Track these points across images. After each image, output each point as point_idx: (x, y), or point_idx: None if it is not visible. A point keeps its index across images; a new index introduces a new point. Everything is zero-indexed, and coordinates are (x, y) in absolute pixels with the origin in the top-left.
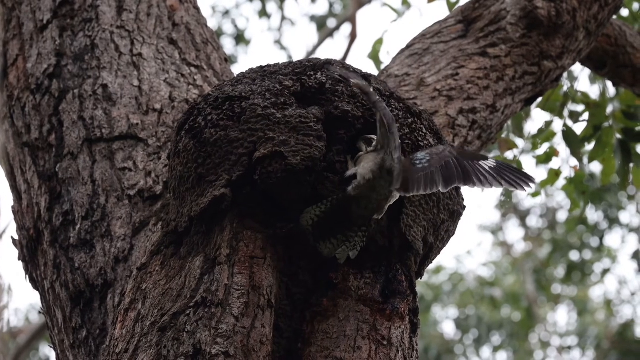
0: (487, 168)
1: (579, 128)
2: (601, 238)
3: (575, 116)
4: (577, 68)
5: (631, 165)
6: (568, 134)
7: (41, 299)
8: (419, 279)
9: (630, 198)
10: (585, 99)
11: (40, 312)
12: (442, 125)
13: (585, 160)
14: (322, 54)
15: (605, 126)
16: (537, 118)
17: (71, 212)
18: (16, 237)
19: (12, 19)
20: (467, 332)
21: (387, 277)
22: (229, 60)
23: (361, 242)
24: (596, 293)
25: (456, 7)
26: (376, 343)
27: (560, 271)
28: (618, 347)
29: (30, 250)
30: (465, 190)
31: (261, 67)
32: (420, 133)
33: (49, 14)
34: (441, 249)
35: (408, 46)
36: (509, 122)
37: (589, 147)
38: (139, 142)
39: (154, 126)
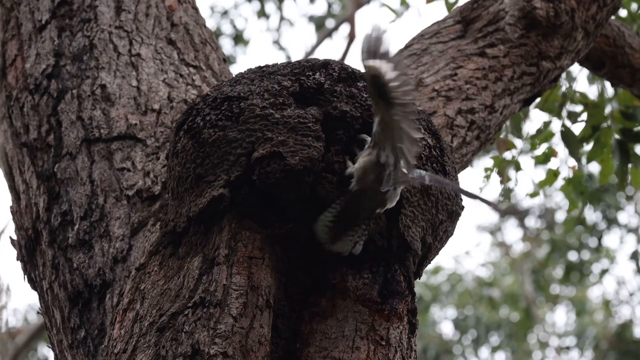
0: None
1: (577, 128)
2: (599, 238)
3: (573, 116)
4: (576, 68)
5: (629, 165)
6: (566, 135)
7: (39, 299)
8: (418, 279)
9: (629, 198)
10: (583, 99)
11: (38, 313)
12: (441, 126)
13: (584, 160)
14: (321, 54)
15: (603, 126)
16: (535, 118)
17: (69, 212)
18: (14, 237)
19: (11, 19)
20: (465, 332)
21: (385, 278)
22: (227, 60)
23: (364, 235)
24: (595, 293)
25: (455, 7)
26: (374, 343)
27: (558, 271)
28: (616, 347)
29: (28, 251)
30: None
31: (260, 67)
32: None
33: (48, 14)
34: (440, 249)
35: (406, 46)
36: (508, 123)
37: (588, 147)
38: (138, 143)
39: (153, 126)
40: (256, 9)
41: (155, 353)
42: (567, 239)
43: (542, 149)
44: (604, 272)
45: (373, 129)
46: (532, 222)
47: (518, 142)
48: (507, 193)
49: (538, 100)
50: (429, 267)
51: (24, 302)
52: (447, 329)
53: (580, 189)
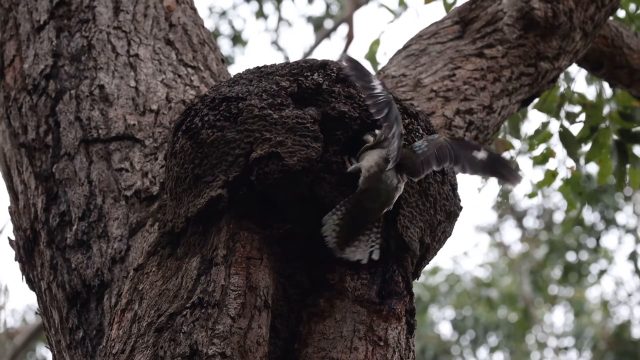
0: (478, 158)
1: (575, 129)
2: (598, 239)
3: (571, 117)
4: (574, 69)
5: (628, 166)
6: (565, 135)
7: (38, 299)
8: (416, 280)
9: (627, 199)
10: (581, 100)
11: (36, 313)
12: (439, 126)
13: (582, 161)
14: (319, 54)
15: (602, 127)
16: (533, 119)
17: (68, 213)
18: (13, 237)
19: (9, 20)
20: (463, 333)
21: (383, 278)
22: (225, 61)
23: (378, 239)
24: (593, 294)
25: (453, 8)
26: (373, 344)
27: (556, 272)
28: (615, 348)
29: (26, 251)
30: (462, 191)
31: (258, 67)
32: (417, 134)
33: (46, 15)
34: (438, 249)
35: (405, 47)
36: (506, 123)
37: (586, 148)
38: (136, 143)
39: (151, 127)
40: (254, 10)
41: (154, 354)
42: (566, 239)
43: (540, 149)
44: (602, 272)
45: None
46: (530, 222)
47: (516, 143)
48: (505, 194)
49: (536, 100)
50: (427, 267)
51: (22, 303)
52: (445, 330)
53: (578, 189)
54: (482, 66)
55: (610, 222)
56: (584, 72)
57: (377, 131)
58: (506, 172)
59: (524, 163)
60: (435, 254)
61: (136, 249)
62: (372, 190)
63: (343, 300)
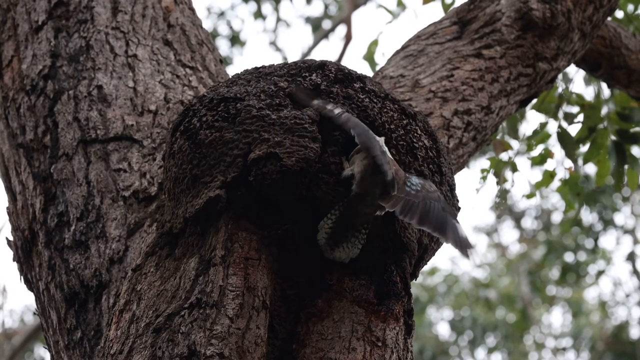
0: (463, 234)
1: (573, 129)
2: (596, 240)
3: (570, 118)
4: (572, 70)
5: (626, 166)
6: (563, 136)
7: (36, 300)
8: (414, 280)
9: (625, 200)
10: (580, 100)
11: (34, 313)
12: (437, 127)
13: (580, 161)
14: (317, 55)
15: (600, 128)
16: (531, 119)
17: (66, 213)
18: (11, 238)
19: (7, 20)
20: (461, 333)
21: (381, 279)
22: (224, 61)
23: (360, 242)
24: (591, 294)
25: (451, 8)
26: (371, 344)
27: (554, 273)
28: (613, 348)
29: (25, 252)
30: (460, 191)
31: (256, 68)
32: (415, 134)
33: (44, 15)
34: (436, 250)
35: (403, 47)
36: (504, 124)
37: (584, 148)
38: (134, 143)
39: (149, 127)
40: (253, 10)
41: (152, 354)
42: (564, 240)
43: (538, 150)
44: (600, 273)
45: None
46: (528, 223)
47: (514, 143)
48: (503, 194)
49: (534, 101)
50: (425, 268)
51: (20, 303)
52: (443, 330)
53: (576, 190)
54: (480, 67)
55: (608, 223)
56: (582, 73)
57: None
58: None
59: (522, 164)
60: (434, 254)
61: (134, 249)
62: (367, 195)
63: (341, 301)
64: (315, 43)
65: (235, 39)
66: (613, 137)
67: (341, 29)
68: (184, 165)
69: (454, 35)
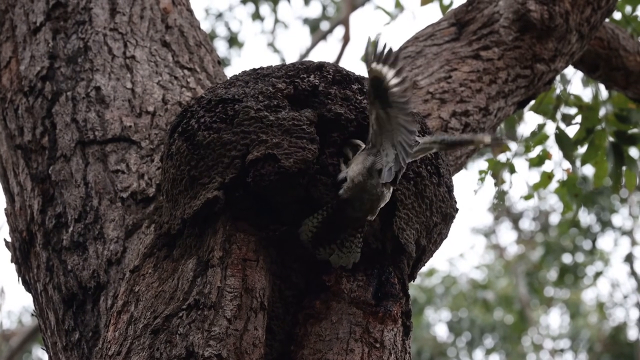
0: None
1: (571, 131)
2: (594, 241)
3: (568, 119)
4: (570, 71)
5: (624, 168)
6: (561, 137)
7: (34, 301)
8: (412, 282)
9: (623, 201)
10: (577, 101)
11: (32, 315)
12: (435, 128)
13: (578, 163)
14: (315, 56)
15: (597, 129)
16: (529, 121)
17: (64, 215)
18: (9, 239)
19: (5, 21)
20: (459, 334)
21: (379, 280)
22: (222, 62)
23: (358, 246)
24: (589, 296)
25: (449, 10)
26: (369, 346)
27: (552, 274)
28: (610, 349)
29: (23, 253)
30: (458, 193)
31: (254, 69)
32: None
33: (42, 17)
34: (434, 251)
35: (401, 49)
36: (502, 125)
37: (582, 149)
38: (132, 145)
39: (147, 128)
40: (251, 12)
41: (150, 355)
42: (562, 241)
43: (536, 151)
44: (598, 274)
45: (369, 131)
46: (526, 224)
47: (512, 145)
48: (501, 195)
49: (532, 102)
50: (423, 269)
51: (18, 304)
52: (441, 332)
53: (574, 191)
54: (478, 68)
55: (606, 224)
56: (580, 74)
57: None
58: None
59: (520, 165)
60: (432, 255)
61: (132, 250)
62: (355, 200)
63: (339, 302)
64: (313, 44)
65: (233, 41)
66: (611, 139)
67: (339, 31)
68: (182, 167)
69: (452, 37)
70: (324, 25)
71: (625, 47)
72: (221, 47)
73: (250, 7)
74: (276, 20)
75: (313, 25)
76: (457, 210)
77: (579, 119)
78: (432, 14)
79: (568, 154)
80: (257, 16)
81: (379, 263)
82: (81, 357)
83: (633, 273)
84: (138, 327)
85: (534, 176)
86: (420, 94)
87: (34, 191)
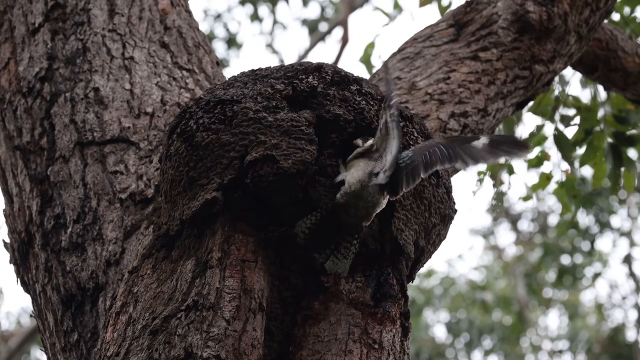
0: (480, 147)
1: (570, 132)
2: (592, 242)
3: (566, 120)
4: (569, 72)
5: (622, 169)
6: (559, 138)
7: (32, 302)
8: (411, 283)
9: (621, 202)
10: (576, 103)
11: (31, 316)
12: (434, 129)
13: (577, 164)
14: (314, 57)
15: (596, 130)
16: (528, 122)
17: (62, 216)
18: (7, 240)
19: (4, 22)
20: (458, 336)
21: (378, 281)
22: (220, 63)
23: (353, 252)
24: (587, 297)
25: (447, 11)
26: (367, 347)
27: (551, 275)
28: (609, 351)
29: (21, 254)
30: (457, 194)
31: (253, 70)
32: (412, 137)
33: (41, 17)
34: (432, 252)
35: (399, 50)
36: (501, 126)
37: (580, 151)
38: (131, 146)
39: (146, 129)
40: (249, 13)
41: (148, 356)
42: (560, 242)
43: (535, 152)
44: (596, 275)
45: (376, 135)
46: (524, 225)
47: None
48: (500, 196)
49: (531, 103)
50: (422, 270)
51: (17, 305)
52: (440, 333)
53: (573, 192)
54: (476, 69)
55: (604, 225)
56: (578, 75)
57: (370, 141)
58: (510, 146)
59: (519, 166)
60: (430, 256)
61: (131, 251)
62: (351, 206)
63: (338, 303)
64: (312, 45)
65: (231, 42)
66: (609, 140)
67: (338, 32)
68: (181, 168)
69: (450, 38)
70: (323, 27)
71: (624, 48)
72: (220, 48)
73: (249, 8)
74: (275, 21)
75: (312, 26)
76: (455, 211)
77: (577, 120)
78: (431, 15)
79: (567, 155)
80: (255, 17)
81: (378, 264)
82: (80, 358)
83: (632, 274)
84: (137, 328)
85: (533, 177)
86: (419, 95)
87: (32, 192)
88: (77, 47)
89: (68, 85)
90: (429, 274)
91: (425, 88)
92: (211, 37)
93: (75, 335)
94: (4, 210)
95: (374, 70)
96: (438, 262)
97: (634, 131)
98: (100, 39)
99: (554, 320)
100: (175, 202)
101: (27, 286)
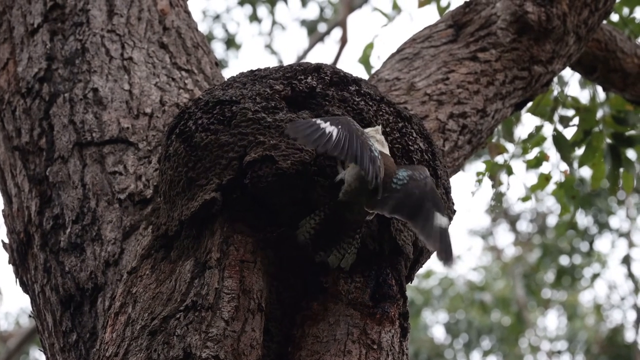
0: (439, 224)
1: (569, 133)
2: (591, 243)
3: (565, 121)
4: (567, 73)
5: (621, 170)
6: (558, 139)
7: (31, 302)
8: (409, 283)
9: (620, 203)
10: (575, 103)
11: (30, 316)
12: (433, 130)
13: (576, 164)
14: (313, 58)
15: (595, 131)
16: (527, 122)
17: (61, 216)
18: (6, 240)
19: (3, 23)
20: (457, 336)
21: (377, 281)
22: (219, 64)
23: (355, 247)
24: (586, 298)
25: (446, 11)
26: (366, 347)
27: (550, 276)
28: (608, 351)
29: (20, 254)
30: (456, 194)
31: (252, 71)
32: (411, 137)
33: (40, 18)
34: (431, 253)
35: (398, 50)
36: (499, 127)
37: (579, 151)
38: (130, 146)
39: (145, 130)
40: (248, 13)
41: (147, 357)
42: (559, 243)
43: (533, 153)
44: (595, 276)
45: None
46: (523, 226)
47: (510, 146)
48: (499, 197)
49: (530, 104)
50: (421, 271)
51: (16, 306)
52: (438, 333)
53: (571, 193)
54: (475, 70)
55: (603, 226)
56: (577, 76)
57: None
58: (444, 250)
59: (518, 167)
60: (429, 257)
61: (130, 252)
62: (354, 204)
63: (337, 304)
64: (311, 46)
65: (230, 42)
66: (608, 140)
67: (337, 32)
68: (180, 168)
69: (449, 39)
70: (322, 27)
71: (623, 49)
72: (219, 49)
73: (248, 9)
74: (273, 22)
75: (310, 27)
76: (454, 211)
77: (576, 120)
78: (430, 16)
79: (565, 156)
80: (254, 18)
81: (377, 264)
82: (79, 358)
83: (630, 275)
84: (135, 329)
85: (532, 178)
86: (418, 96)
87: (31, 192)
88: (76, 48)
89: (67, 85)
90: (428, 274)
91: (424, 89)
92: (210, 37)
93: (74, 336)
94: (3, 211)
95: (373, 71)
96: (437, 263)
97: (632, 132)
98: (99, 39)
99: (552, 321)
100: (174, 202)
101: (26, 286)
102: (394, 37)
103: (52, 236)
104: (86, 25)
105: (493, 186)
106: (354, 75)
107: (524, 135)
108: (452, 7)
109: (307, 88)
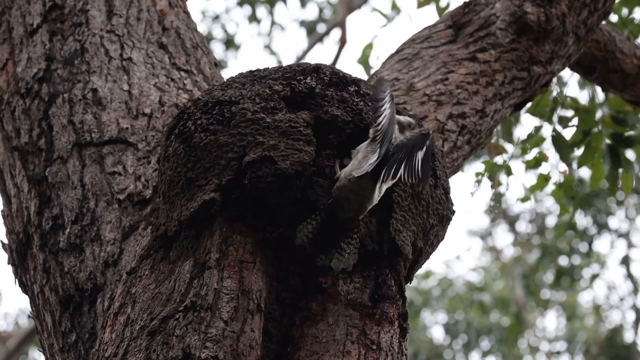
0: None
1: (568, 133)
2: (590, 243)
3: (564, 121)
4: (567, 73)
5: (620, 170)
6: (557, 139)
7: (30, 303)
8: (409, 284)
9: (619, 203)
10: (574, 104)
11: (29, 316)
12: (432, 130)
13: (575, 165)
14: (312, 58)
15: (594, 131)
16: (526, 123)
17: (61, 216)
18: (5, 241)
19: (2, 23)
20: (456, 337)
21: (376, 282)
22: (218, 64)
23: (355, 247)
24: (585, 298)
25: (446, 12)
26: (365, 347)
27: (549, 276)
28: (607, 352)
29: (19, 254)
30: (455, 195)
31: (251, 71)
32: None
33: (39, 18)
34: (430, 253)
35: (397, 51)
36: (499, 127)
37: (578, 152)
38: (129, 147)
39: (144, 130)
40: (247, 14)
41: (146, 357)
42: (558, 243)
43: (533, 153)
44: (594, 277)
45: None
46: (522, 226)
47: (509, 147)
48: (498, 198)
49: (529, 104)
50: (420, 271)
51: (15, 306)
52: (437, 334)
53: (571, 193)
54: (475, 70)
55: (602, 227)
56: (576, 77)
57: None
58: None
59: (517, 167)
60: (428, 257)
61: (129, 252)
62: (344, 200)
63: (336, 304)
64: (310, 46)
65: (229, 43)
66: (607, 141)
67: (336, 33)
68: (179, 169)
69: (448, 39)
70: (321, 28)
71: (622, 49)
72: (218, 49)
73: (247, 10)
74: (273, 23)
75: (310, 27)
76: (453, 212)
77: (575, 121)
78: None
79: (565, 157)
80: (253, 18)
81: (376, 265)
82: (78, 358)
83: (629, 275)
84: (135, 329)
85: (531, 178)
86: (417, 96)
87: (30, 193)
88: (75, 48)
89: (66, 86)
90: (427, 275)
91: (424, 89)
92: (209, 38)
93: (74, 336)
94: (2, 211)
95: (372, 71)
96: (436, 263)
97: (631, 132)
98: (99, 39)
99: (551, 322)
100: (173, 203)
101: (25, 287)
102: (393, 38)
103: (51, 236)
104: (85, 25)
105: (492, 187)
106: (353, 75)
107: (523, 136)
108: (452, 8)
109: (306, 88)
